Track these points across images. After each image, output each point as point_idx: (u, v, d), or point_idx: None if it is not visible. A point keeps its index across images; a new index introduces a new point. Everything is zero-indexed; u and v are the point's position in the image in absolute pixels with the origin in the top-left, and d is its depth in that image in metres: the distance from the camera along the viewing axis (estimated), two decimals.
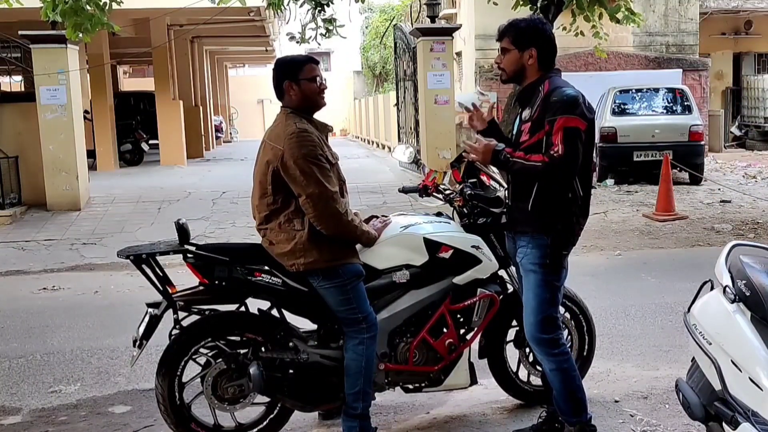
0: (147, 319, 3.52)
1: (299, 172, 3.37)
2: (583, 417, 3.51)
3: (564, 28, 11.14)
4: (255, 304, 3.67)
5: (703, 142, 13.55)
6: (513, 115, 3.67)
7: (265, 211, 3.51)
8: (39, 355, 5.36)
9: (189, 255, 3.51)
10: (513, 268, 3.89)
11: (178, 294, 3.56)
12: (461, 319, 3.85)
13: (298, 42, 11.84)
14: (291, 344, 3.59)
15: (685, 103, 13.66)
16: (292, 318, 3.70)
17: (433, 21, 14.06)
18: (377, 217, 3.91)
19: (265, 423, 3.69)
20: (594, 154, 3.49)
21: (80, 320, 6.28)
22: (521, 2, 10.64)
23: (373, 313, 3.56)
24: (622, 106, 13.64)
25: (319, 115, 3.62)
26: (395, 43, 16.95)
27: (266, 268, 3.52)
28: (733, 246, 2.95)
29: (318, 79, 3.54)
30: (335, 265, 3.46)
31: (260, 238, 3.61)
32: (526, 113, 3.42)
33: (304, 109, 3.53)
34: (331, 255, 3.45)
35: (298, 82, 3.50)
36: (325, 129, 3.60)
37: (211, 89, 29.48)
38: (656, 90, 14.07)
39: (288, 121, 3.47)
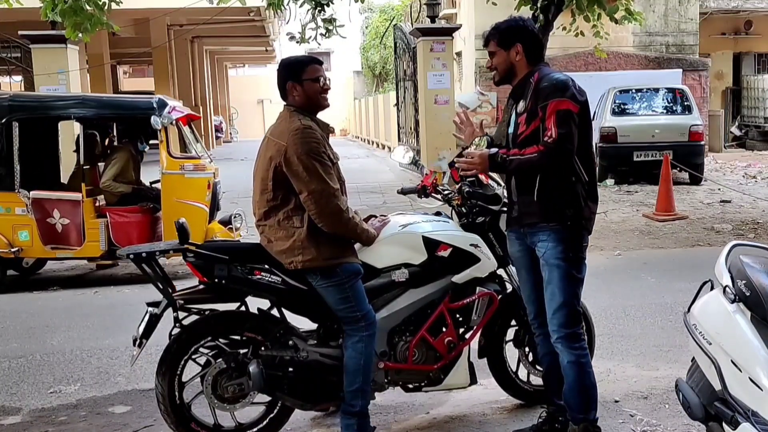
0: (147, 318, 3.52)
1: (302, 168, 3.38)
2: (591, 415, 3.50)
3: (564, 28, 11.14)
4: (255, 303, 3.67)
5: (703, 142, 13.55)
6: (507, 113, 3.66)
7: (265, 208, 3.51)
8: (39, 355, 5.36)
9: (189, 254, 3.51)
10: (512, 267, 3.89)
11: (178, 293, 3.57)
12: (460, 318, 3.85)
13: (298, 42, 11.84)
14: (291, 343, 3.59)
15: (685, 103, 13.66)
16: (291, 317, 3.70)
17: (433, 21, 14.07)
18: (376, 216, 3.91)
19: (265, 422, 3.69)
20: (593, 143, 3.50)
21: (80, 320, 6.28)
22: (522, 2, 10.64)
23: (372, 311, 3.56)
24: (622, 106, 13.65)
25: (319, 115, 3.63)
26: (395, 43, 16.96)
27: (266, 266, 3.52)
28: (733, 246, 2.95)
29: (321, 79, 3.55)
30: (333, 263, 3.46)
31: (259, 237, 3.61)
32: (520, 106, 3.44)
33: (307, 109, 3.54)
34: (329, 253, 3.45)
35: (302, 82, 3.51)
36: (326, 129, 3.61)
37: (211, 89, 29.51)
38: (656, 90, 14.07)
39: (292, 118, 3.48)
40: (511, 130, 3.53)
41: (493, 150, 3.39)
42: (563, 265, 3.37)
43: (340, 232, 3.49)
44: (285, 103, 3.60)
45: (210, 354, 3.58)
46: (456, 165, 3.64)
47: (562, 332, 3.42)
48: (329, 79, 3.64)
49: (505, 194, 3.78)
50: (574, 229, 3.38)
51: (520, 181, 3.46)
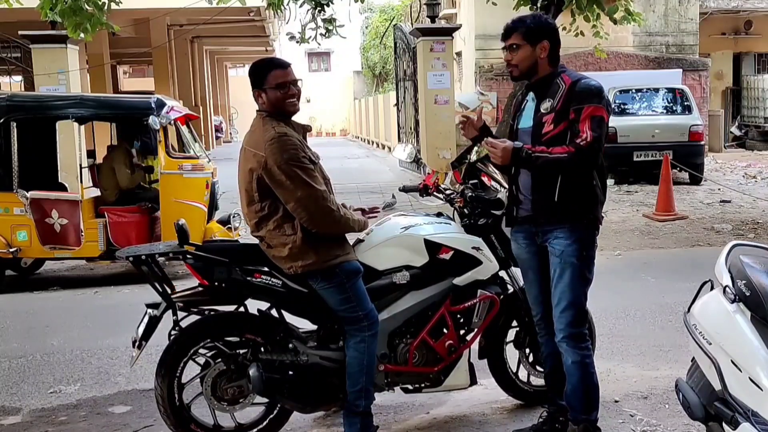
0: (146, 319, 3.52)
1: (285, 177, 3.32)
2: (592, 416, 3.49)
3: (564, 28, 11.13)
4: (255, 305, 3.66)
5: (703, 142, 13.55)
6: (513, 107, 3.64)
7: (255, 218, 3.49)
8: (39, 355, 5.36)
9: (188, 256, 3.51)
10: (514, 269, 3.88)
11: (178, 295, 3.56)
12: (461, 320, 3.84)
13: (298, 42, 11.85)
14: (290, 345, 3.59)
15: (685, 103, 13.66)
16: (291, 318, 3.70)
17: (433, 21, 14.08)
18: (364, 210, 3.85)
19: (264, 423, 3.69)
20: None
21: (80, 320, 6.28)
22: (522, 2, 10.65)
23: (374, 310, 3.55)
24: (622, 106, 13.63)
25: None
26: (395, 43, 16.96)
27: (266, 269, 3.51)
28: (733, 246, 2.94)
29: (285, 86, 3.42)
30: (333, 264, 3.44)
31: (259, 243, 3.59)
32: (546, 105, 3.38)
33: (277, 115, 3.47)
34: (328, 255, 3.44)
35: (264, 90, 3.44)
36: (303, 129, 3.55)
37: (211, 89, 29.51)
38: (656, 90, 14.07)
39: (266, 126, 3.42)
40: (526, 124, 3.47)
41: (518, 144, 3.33)
42: (577, 263, 3.37)
43: (335, 231, 3.48)
44: (257, 109, 3.54)
45: (209, 355, 3.57)
46: (461, 163, 3.61)
47: (569, 331, 3.41)
48: (300, 81, 3.51)
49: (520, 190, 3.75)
50: (589, 229, 3.40)
51: (538, 181, 3.41)
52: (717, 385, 2.72)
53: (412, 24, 18.40)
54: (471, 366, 3.87)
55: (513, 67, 3.47)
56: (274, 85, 3.42)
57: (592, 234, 3.43)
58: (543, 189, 3.39)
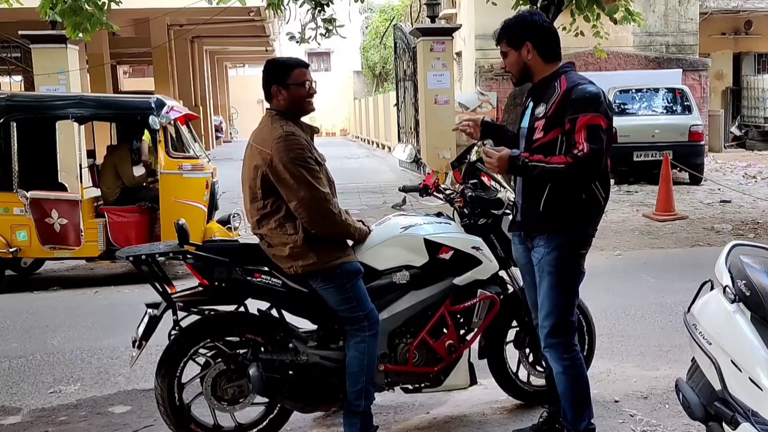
0: (146, 319, 3.52)
1: (289, 176, 3.34)
2: (581, 426, 3.41)
3: (564, 28, 11.14)
4: (255, 305, 3.66)
5: (703, 142, 13.55)
6: (513, 114, 3.63)
7: (257, 216, 3.49)
8: (39, 355, 5.36)
9: (188, 256, 3.51)
10: (514, 269, 3.88)
11: (178, 294, 3.56)
12: (461, 320, 3.84)
13: (298, 42, 11.87)
14: (291, 345, 3.59)
15: (685, 103, 13.66)
16: (291, 318, 3.70)
17: (433, 21, 14.10)
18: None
19: (264, 423, 3.69)
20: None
21: (80, 320, 6.27)
22: (521, 2, 10.65)
23: (374, 310, 3.55)
24: (622, 106, 13.63)
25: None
26: (395, 43, 16.97)
27: (266, 269, 3.51)
28: (733, 246, 2.94)
29: (307, 83, 3.48)
30: (333, 265, 3.45)
31: (259, 242, 3.60)
32: (540, 109, 3.29)
33: (291, 114, 3.48)
34: (328, 256, 3.44)
35: (287, 87, 3.45)
36: (311, 131, 3.56)
37: (211, 89, 29.51)
38: (656, 90, 14.07)
39: (274, 124, 3.43)
40: (524, 124, 3.43)
41: (515, 151, 3.25)
42: (554, 273, 3.30)
43: (334, 234, 3.49)
44: (267, 107, 3.55)
45: (209, 355, 3.57)
46: (461, 163, 3.58)
47: (548, 341, 3.36)
48: (316, 82, 3.56)
49: (510, 197, 3.76)
50: (572, 240, 3.30)
51: (527, 188, 3.35)
52: (717, 385, 2.72)
53: (412, 24, 18.41)
54: (471, 366, 3.87)
55: (511, 75, 3.44)
56: (299, 82, 3.45)
57: (575, 245, 3.30)
58: (531, 196, 3.33)
